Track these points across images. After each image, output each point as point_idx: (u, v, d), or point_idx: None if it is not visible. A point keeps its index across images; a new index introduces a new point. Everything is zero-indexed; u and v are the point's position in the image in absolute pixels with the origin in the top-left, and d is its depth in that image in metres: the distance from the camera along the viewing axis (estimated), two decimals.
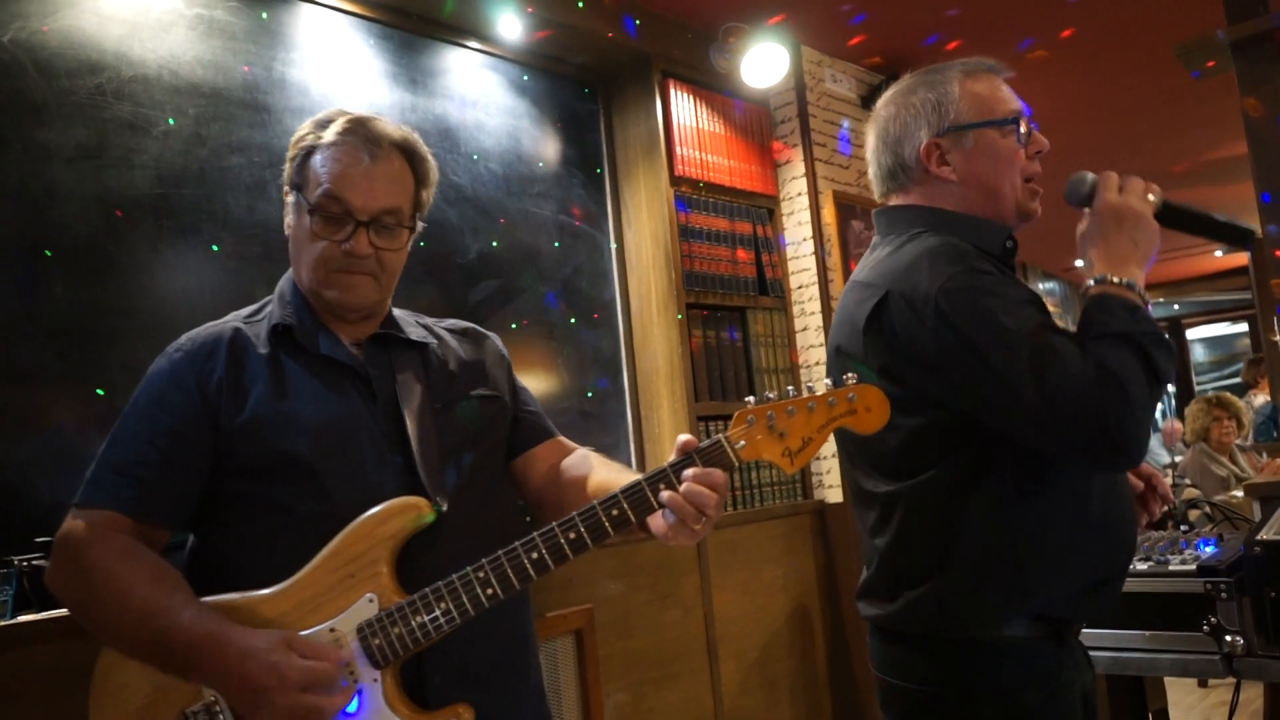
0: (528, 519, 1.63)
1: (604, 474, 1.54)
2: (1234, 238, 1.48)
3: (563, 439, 1.70)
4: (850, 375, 1.32)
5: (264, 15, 2.65)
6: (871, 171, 1.67)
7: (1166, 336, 1.36)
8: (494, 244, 3.14)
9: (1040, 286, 9.36)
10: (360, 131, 1.48)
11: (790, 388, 1.33)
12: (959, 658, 1.44)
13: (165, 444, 1.39)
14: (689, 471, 1.30)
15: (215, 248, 2.44)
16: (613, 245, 3.57)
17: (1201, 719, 4.37)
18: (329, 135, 1.47)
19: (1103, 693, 2.66)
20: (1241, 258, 8.11)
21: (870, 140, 1.66)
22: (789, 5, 3.59)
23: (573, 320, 3.37)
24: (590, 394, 3.38)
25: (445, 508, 1.40)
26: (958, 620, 1.43)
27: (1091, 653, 2.02)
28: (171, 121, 2.41)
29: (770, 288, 3.73)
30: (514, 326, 3.16)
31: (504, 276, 3.16)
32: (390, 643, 1.31)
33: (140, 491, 1.37)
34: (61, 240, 2.19)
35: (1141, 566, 2.01)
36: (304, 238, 1.48)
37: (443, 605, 1.31)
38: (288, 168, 1.53)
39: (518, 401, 1.67)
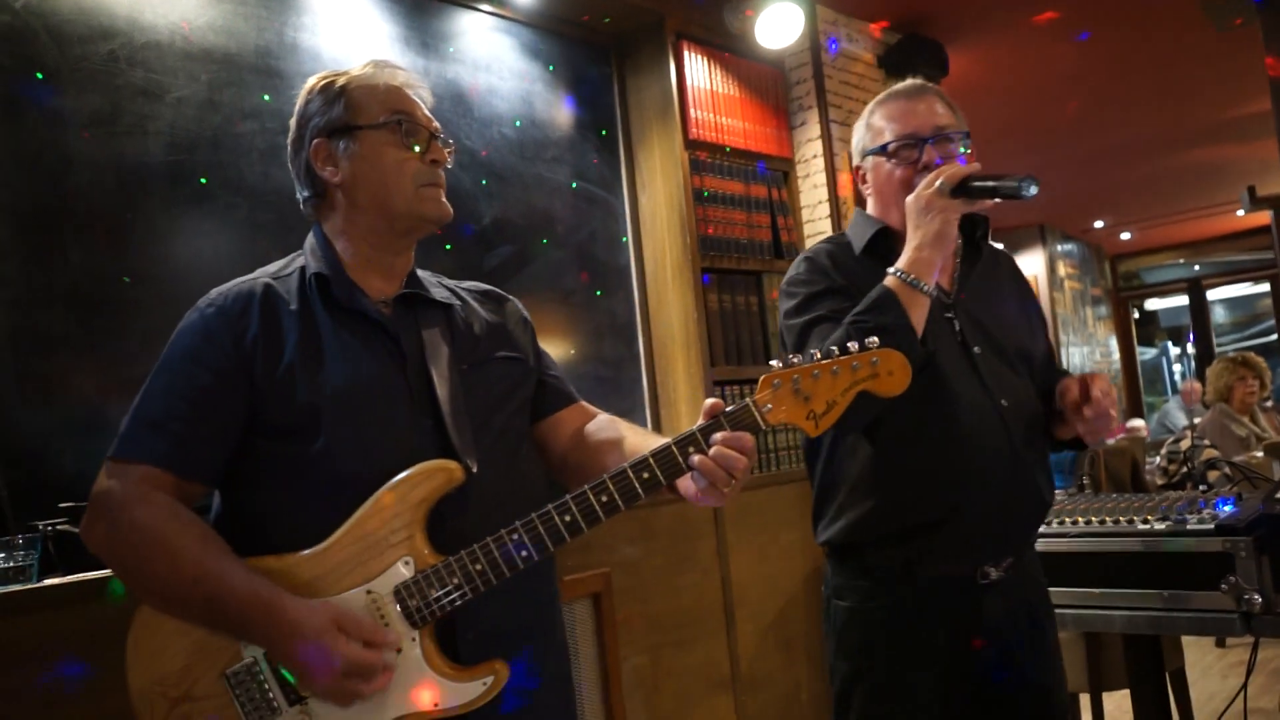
0: (551, 484, 1.63)
1: (632, 438, 1.54)
2: (1015, 190, 1.61)
3: (585, 404, 1.70)
4: (872, 339, 1.34)
5: None
6: None
7: (876, 323, 1.58)
8: (508, 209, 3.13)
9: (1059, 248, 9.28)
10: (380, 61, 1.56)
11: (815, 351, 1.34)
12: (828, 568, 1.85)
13: (200, 399, 1.37)
14: (718, 435, 1.32)
15: (232, 214, 2.45)
16: (627, 209, 3.56)
17: (1219, 679, 4.38)
18: (358, 71, 1.53)
19: (1119, 652, 2.66)
20: (1264, 217, 7.99)
21: None
22: None
23: (587, 285, 3.37)
24: (609, 358, 3.38)
25: (475, 469, 1.40)
26: (818, 539, 1.83)
27: (1107, 611, 2.03)
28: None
29: (786, 251, 3.71)
30: (528, 292, 3.16)
31: (518, 242, 3.16)
32: (427, 604, 1.33)
33: (177, 447, 1.36)
34: (76, 207, 2.20)
35: (1159, 526, 2.00)
36: (383, 165, 1.48)
37: (478, 567, 1.33)
38: (318, 121, 1.51)
39: (541, 365, 1.67)
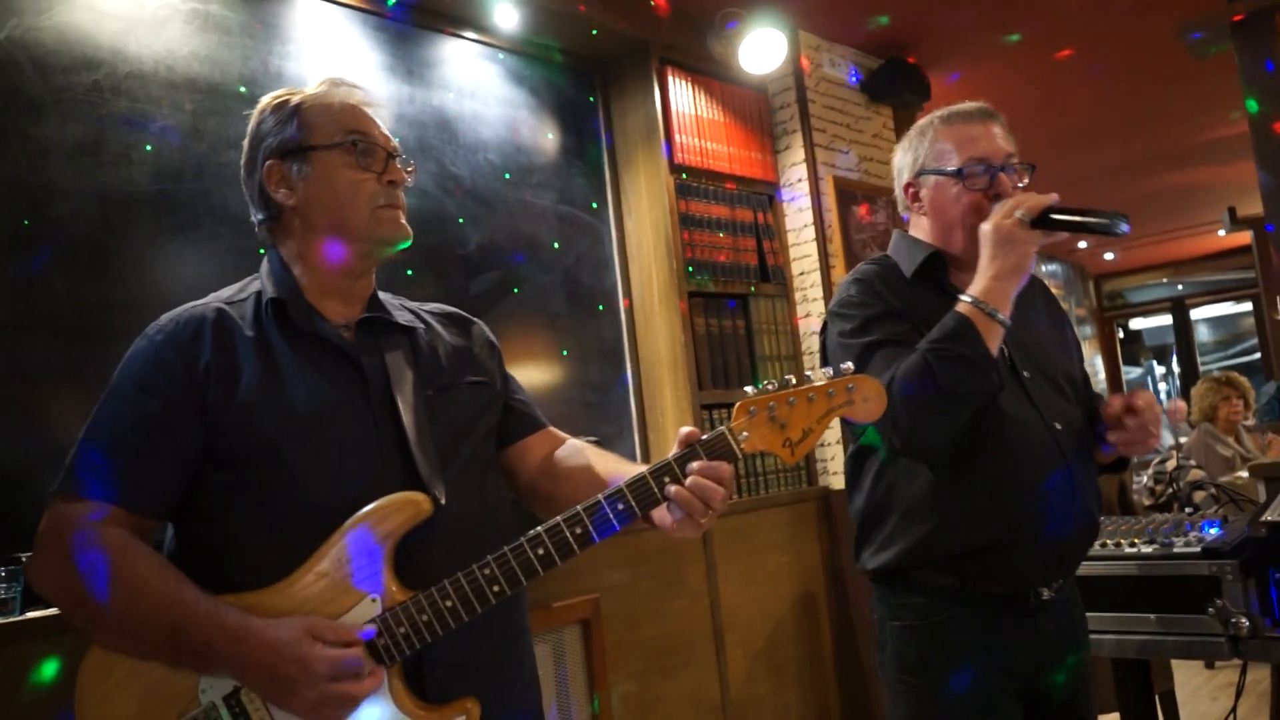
0: (519, 511, 1.59)
1: (602, 465, 1.51)
2: (1107, 228, 1.57)
3: (554, 429, 1.64)
4: (847, 365, 1.34)
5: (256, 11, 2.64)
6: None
7: (959, 352, 1.57)
8: (494, 234, 3.13)
9: (1044, 269, 9.34)
10: (336, 79, 1.50)
11: (790, 377, 1.33)
12: (875, 592, 1.80)
13: (150, 430, 1.31)
14: (695, 464, 1.29)
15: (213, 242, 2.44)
16: (613, 234, 3.57)
17: (1209, 700, 4.38)
18: (313, 90, 1.47)
19: (1108, 675, 2.66)
20: (1245, 237, 8.07)
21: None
22: None
23: (574, 310, 3.37)
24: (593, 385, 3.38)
25: (444, 500, 1.35)
26: (863, 565, 1.79)
27: (1096, 635, 2.03)
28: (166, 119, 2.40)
29: (772, 274, 3.72)
30: (515, 317, 3.16)
31: (504, 267, 3.16)
32: (396, 642, 1.28)
33: (127, 480, 1.30)
34: (60, 236, 2.19)
35: (1146, 549, 2.01)
36: (339, 187, 1.42)
37: (449, 603, 1.29)
38: (271, 141, 1.45)
39: (508, 390, 1.62)
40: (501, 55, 3.29)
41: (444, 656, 1.33)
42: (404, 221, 1.47)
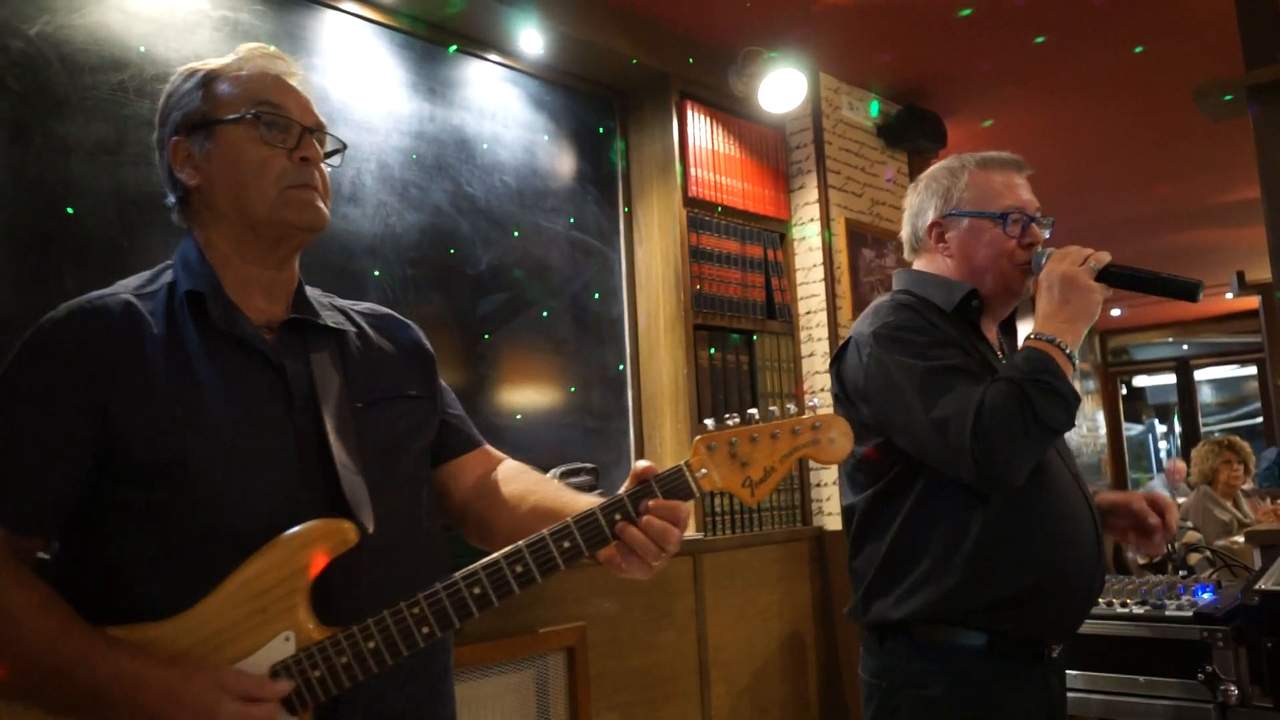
0: (450, 530, 1.49)
1: (542, 492, 1.39)
2: (1181, 292, 1.61)
3: (490, 448, 1.51)
4: (814, 402, 1.28)
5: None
6: (903, 234, 1.94)
7: (1056, 386, 1.55)
8: (505, 256, 3.15)
9: None
10: (255, 46, 1.38)
11: (753, 411, 1.25)
12: (887, 651, 1.68)
13: (42, 438, 1.15)
14: (650, 503, 1.20)
15: None
16: (623, 263, 3.58)
17: None
18: (227, 58, 1.34)
19: None
20: (1252, 301, 8.08)
21: (905, 210, 1.95)
22: (809, 31, 3.61)
23: (580, 335, 3.38)
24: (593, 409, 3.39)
25: (371, 529, 1.20)
26: (877, 617, 1.68)
27: (1084, 695, 2.02)
28: None
29: (779, 312, 3.73)
30: (521, 340, 3.17)
31: (513, 289, 3.17)
32: (310, 686, 1.14)
33: (13, 496, 1.15)
34: (76, 234, 2.21)
35: (1138, 610, 2.00)
36: (242, 165, 1.28)
37: (371, 645, 1.15)
38: (176, 116, 1.32)
39: (443, 403, 1.47)
40: (523, 80, 3.32)
41: (363, 699, 1.19)
42: (320, 204, 1.31)
